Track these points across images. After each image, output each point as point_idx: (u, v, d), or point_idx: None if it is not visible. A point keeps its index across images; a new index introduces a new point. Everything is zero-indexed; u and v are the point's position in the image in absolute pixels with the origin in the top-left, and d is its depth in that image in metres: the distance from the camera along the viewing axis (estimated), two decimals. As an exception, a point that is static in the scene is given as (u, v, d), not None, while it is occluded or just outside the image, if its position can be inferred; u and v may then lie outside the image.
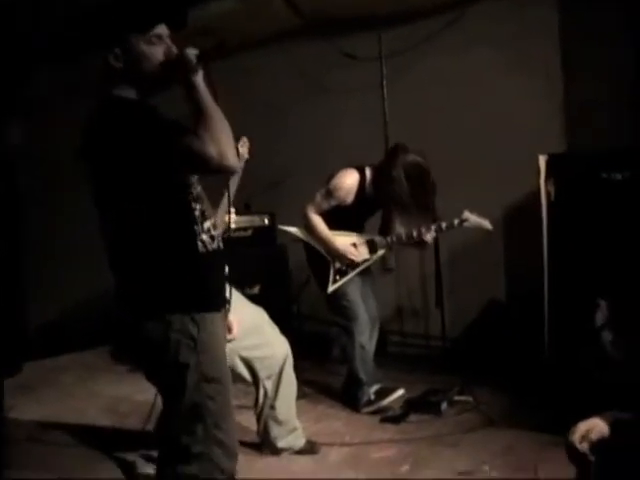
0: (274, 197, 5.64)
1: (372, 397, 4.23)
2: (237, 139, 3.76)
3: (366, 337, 4.31)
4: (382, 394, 4.24)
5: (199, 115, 2.05)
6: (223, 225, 3.43)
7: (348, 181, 4.21)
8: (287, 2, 5.33)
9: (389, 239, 4.31)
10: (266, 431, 3.66)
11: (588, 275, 3.75)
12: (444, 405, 4.13)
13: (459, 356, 4.98)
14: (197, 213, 2.18)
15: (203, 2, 5.47)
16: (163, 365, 2.16)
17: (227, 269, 2.32)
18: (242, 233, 5.40)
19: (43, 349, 5.59)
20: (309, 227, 4.29)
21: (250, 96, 5.94)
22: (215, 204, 3.31)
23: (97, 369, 5.33)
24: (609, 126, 4.44)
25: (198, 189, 2.24)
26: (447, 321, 4.92)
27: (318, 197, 4.27)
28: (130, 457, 3.54)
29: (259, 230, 5.55)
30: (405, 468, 3.42)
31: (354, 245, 4.30)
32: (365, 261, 4.32)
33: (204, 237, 2.18)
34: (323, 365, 5.20)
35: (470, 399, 4.24)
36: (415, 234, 4.22)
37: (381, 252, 4.36)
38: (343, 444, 3.79)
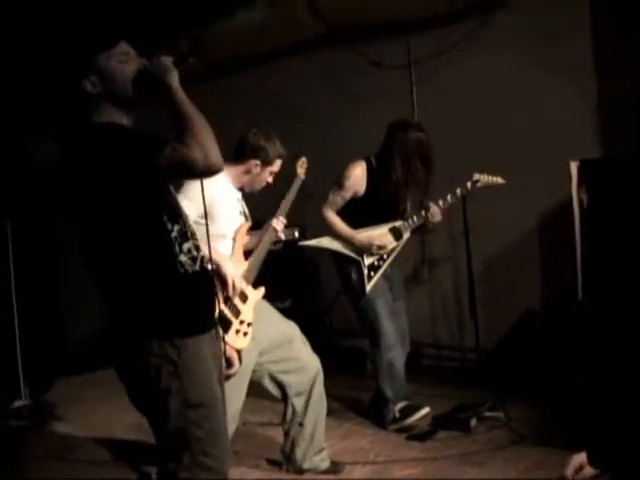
0: (304, 209, 5.58)
1: (397, 415, 4.10)
2: (296, 158, 3.75)
3: (395, 353, 4.18)
4: (407, 412, 4.09)
5: (179, 119, 2.01)
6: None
7: (356, 170, 4.15)
8: (312, 11, 5.27)
9: (410, 221, 4.23)
10: (292, 450, 3.59)
11: (624, 284, 3.60)
12: (473, 421, 3.99)
13: (493, 369, 4.84)
14: (174, 234, 2.10)
15: (231, 13, 5.49)
16: (145, 391, 2.11)
17: None
18: (272, 247, 5.34)
19: (75, 365, 5.60)
20: (329, 227, 4.23)
21: (277, 106, 5.91)
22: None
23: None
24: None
25: (178, 209, 2.17)
26: (481, 333, 4.80)
27: (331, 195, 4.21)
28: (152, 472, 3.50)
29: (289, 243, 5.49)
30: (428, 488, 3.32)
31: None
32: (394, 249, 4.23)
33: (183, 259, 2.10)
34: (356, 380, 5.10)
35: (501, 415, 4.09)
36: (423, 213, 4.16)
37: (407, 236, 4.25)
38: (367, 462, 3.70)
